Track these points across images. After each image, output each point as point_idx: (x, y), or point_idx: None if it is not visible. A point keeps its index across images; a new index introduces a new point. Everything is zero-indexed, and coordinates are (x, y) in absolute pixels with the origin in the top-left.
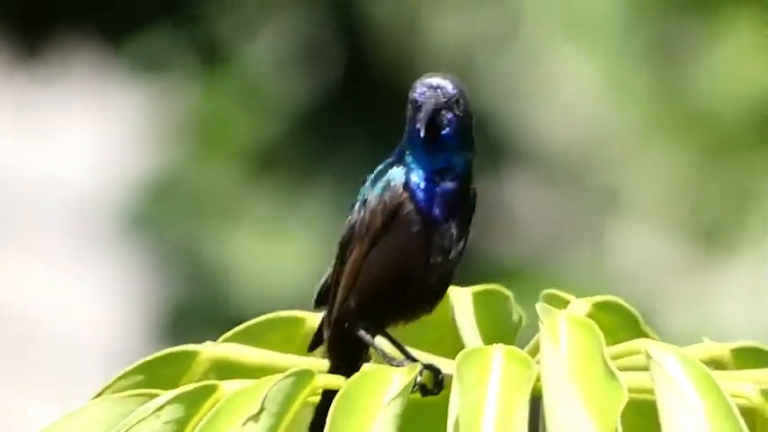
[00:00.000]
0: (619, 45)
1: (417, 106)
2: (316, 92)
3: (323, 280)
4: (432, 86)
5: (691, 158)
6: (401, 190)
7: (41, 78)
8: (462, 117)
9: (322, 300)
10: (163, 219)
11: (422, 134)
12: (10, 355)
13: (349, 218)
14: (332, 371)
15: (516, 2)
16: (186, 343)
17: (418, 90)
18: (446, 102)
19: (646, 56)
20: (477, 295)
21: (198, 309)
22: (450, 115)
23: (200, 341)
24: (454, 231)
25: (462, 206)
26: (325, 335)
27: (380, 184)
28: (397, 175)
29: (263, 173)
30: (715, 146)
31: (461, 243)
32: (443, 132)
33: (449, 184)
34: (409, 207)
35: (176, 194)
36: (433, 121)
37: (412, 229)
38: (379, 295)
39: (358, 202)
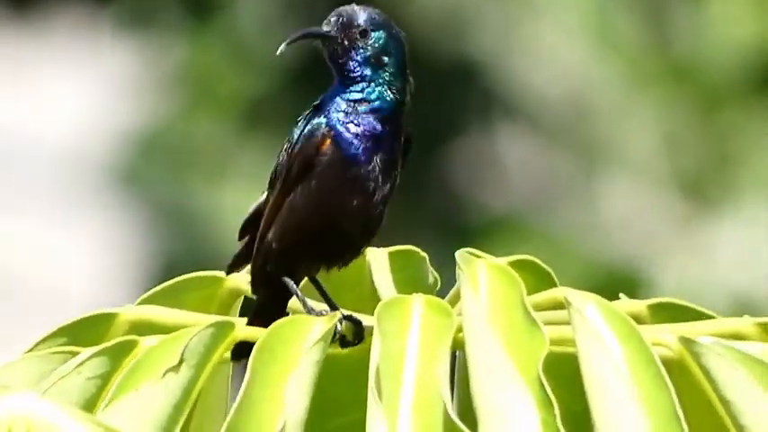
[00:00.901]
0: None
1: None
2: (303, 47)
3: (250, 210)
4: (338, 14)
5: (680, 111)
6: (323, 129)
7: (29, 33)
8: (370, 49)
9: (244, 233)
10: (151, 173)
11: (278, 51)
12: (1, 309)
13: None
14: (257, 312)
15: None
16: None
17: (327, 19)
18: (344, 30)
19: (633, 7)
20: (393, 255)
21: (186, 262)
22: (354, 45)
23: None
24: (379, 173)
25: (390, 148)
26: (250, 271)
27: (305, 125)
28: (319, 115)
29: (251, 128)
30: (704, 98)
31: (387, 186)
32: (347, 62)
33: (373, 124)
34: (331, 147)
35: (164, 148)
36: (335, 51)
37: (333, 169)
38: (301, 238)
39: (285, 143)
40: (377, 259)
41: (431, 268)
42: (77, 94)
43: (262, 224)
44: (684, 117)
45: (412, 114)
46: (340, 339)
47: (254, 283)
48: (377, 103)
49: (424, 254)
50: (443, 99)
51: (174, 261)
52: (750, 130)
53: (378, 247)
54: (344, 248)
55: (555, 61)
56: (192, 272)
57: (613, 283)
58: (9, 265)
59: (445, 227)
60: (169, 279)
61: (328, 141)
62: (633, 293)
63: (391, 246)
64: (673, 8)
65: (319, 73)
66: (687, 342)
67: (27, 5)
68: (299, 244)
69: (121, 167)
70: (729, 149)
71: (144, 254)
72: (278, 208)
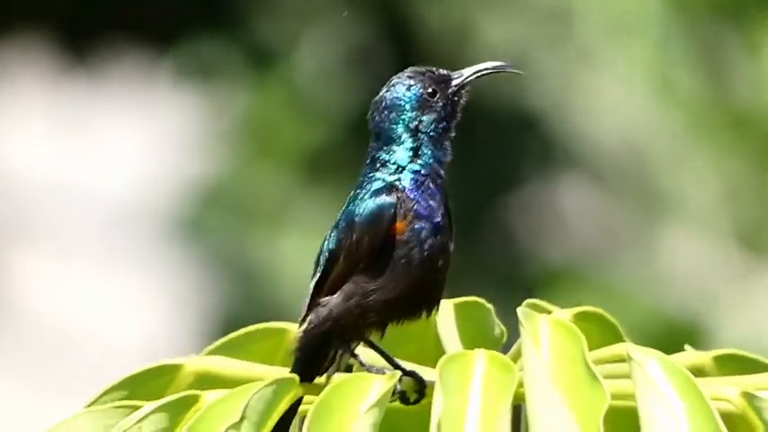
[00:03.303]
0: (665, 48)
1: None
2: (364, 97)
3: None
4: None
5: (739, 162)
6: (394, 208)
7: (91, 84)
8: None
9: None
10: (212, 224)
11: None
12: (65, 363)
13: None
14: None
15: (565, 5)
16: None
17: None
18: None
19: (692, 59)
20: (459, 307)
21: (247, 314)
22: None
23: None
24: (448, 240)
25: (448, 211)
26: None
27: (370, 203)
28: (387, 190)
29: (312, 179)
30: (763, 150)
31: (452, 249)
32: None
33: (437, 191)
34: (405, 224)
35: (225, 200)
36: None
37: (410, 245)
38: (371, 313)
39: (342, 221)
40: (442, 311)
41: (497, 320)
42: (138, 146)
43: (327, 295)
44: (744, 169)
45: (472, 164)
46: (400, 397)
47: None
48: (435, 167)
49: (489, 305)
50: (503, 149)
51: (235, 313)
52: None
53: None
54: (414, 315)
55: (614, 112)
56: (252, 324)
57: (673, 334)
58: (72, 317)
59: (505, 278)
60: (229, 331)
61: (400, 217)
62: (692, 345)
63: (452, 297)
64: (731, 59)
65: None
66: (749, 397)
67: (86, 56)
68: (366, 315)
69: (182, 219)
70: None
71: (205, 306)
72: (340, 282)
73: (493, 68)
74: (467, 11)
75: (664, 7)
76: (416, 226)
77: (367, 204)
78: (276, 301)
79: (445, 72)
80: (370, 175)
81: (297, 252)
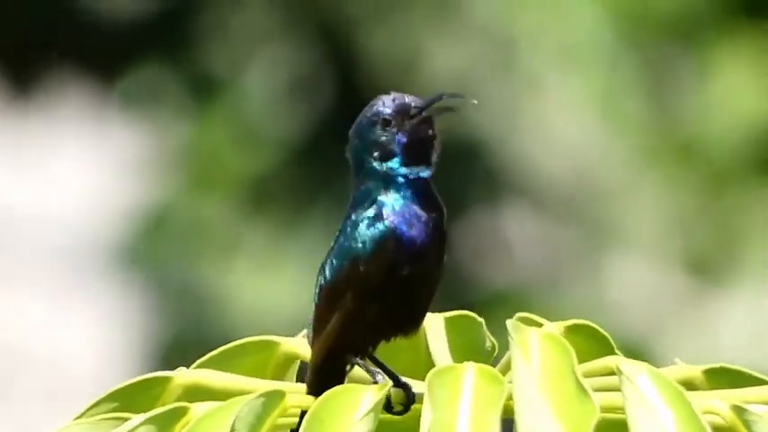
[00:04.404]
0: (613, 75)
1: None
2: (309, 123)
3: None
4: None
5: (686, 189)
6: (389, 233)
7: (36, 114)
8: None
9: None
10: (158, 252)
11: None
12: (4, 390)
13: (326, 271)
14: (314, 379)
15: (512, 32)
16: None
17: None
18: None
19: (641, 86)
20: (449, 320)
21: (194, 341)
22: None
23: None
24: (438, 254)
25: (439, 227)
26: (310, 371)
27: (367, 236)
28: (377, 221)
29: (257, 205)
30: (710, 176)
31: (442, 266)
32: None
33: (423, 210)
34: (399, 251)
35: (171, 228)
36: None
37: (405, 270)
38: (375, 332)
39: (339, 257)
40: (432, 324)
41: (488, 333)
42: (84, 174)
43: (328, 329)
44: (690, 195)
45: None
46: (386, 405)
47: (314, 380)
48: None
49: (480, 319)
50: (448, 177)
51: (181, 340)
52: (756, 209)
53: None
54: (409, 330)
55: (561, 139)
56: (197, 349)
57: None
58: (14, 343)
59: (450, 304)
60: (174, 356)
61: (395, 245)
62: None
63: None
64: (678, 86)
65: (324, 149)
66: (739, 410)
67: (33, 84)
68: (371, 335)
69: (127, 246)
70: (736, 226)
71: (150, 332)
72: (348, 314)
73: (447, 96)
74: (413, 38)
75: (612, 33)
76: (402, 254)
77: (365, 236)
78: (224, 327)
79: (411, 100)
80: (355, 205)
81: (244, 278)
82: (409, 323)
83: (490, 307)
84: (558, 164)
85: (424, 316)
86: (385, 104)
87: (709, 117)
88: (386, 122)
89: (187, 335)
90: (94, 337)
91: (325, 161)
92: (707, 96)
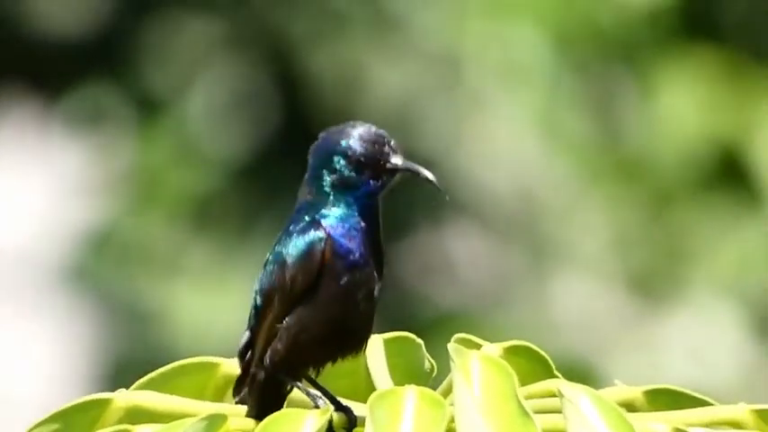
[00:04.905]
0: (555, 94)
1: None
2: (253, 143)
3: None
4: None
5: (630, 207)
6: (323, 241)
7: None
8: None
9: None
10: (102, 271)
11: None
12: None
13: (260, 278)
14: (255, 403)
15: (455, 51)
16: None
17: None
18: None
19: (583, 105)
20: (388, 342)
21: (138, 360)
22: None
23: None
24: (375, 271)
25: (379, 243)
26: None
27: (299, 241)
28: (312, 229)
29: (201, 224)
30: (654, 194)
31: (381, 279)
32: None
33: (363, 226)
34: (333, 257)
35: (115, 247)
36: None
37: (338, 277)
38: (312, 345)
39: (272, 263)
40: (372, 346)
41: (427, 355)
42: (29, 193)
43: (262, 340)
44: (634, 213)
45: None
46: (328, 430)
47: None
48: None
49: (419, 341)
50: (392, 196)
51: (126, 359)
52: (700, 226)
53: None
54: (352, 348)
55: (504, 158)
56: (143, 368)
57: (563, 377)
58: None
59: (396, 323)
60: (121, 375)
61: (329, 253)
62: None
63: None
64: (621, 105)
65: (268, 169)
66: None
67: None
68: (309, 351)
69: (71, 266)
70: (679, 245)
71: (95, 352)
72: (279, 321)
73: (425, 177)
74: (356, 56)
75: (554, 52)
76: (338, 263)
77: (297, 242)
78: (168, 346)
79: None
80: (296, 216)
81: (187, 297)
82: (349, 341)
83: (436, 327)
84: (501, 182)
85: (368, 335)
86: (363, 143)
87: (653, 136)
88: (360, 164)
89: (132, 353)
90: (37, 358)
91: (268, 180)
92: (650, 115)
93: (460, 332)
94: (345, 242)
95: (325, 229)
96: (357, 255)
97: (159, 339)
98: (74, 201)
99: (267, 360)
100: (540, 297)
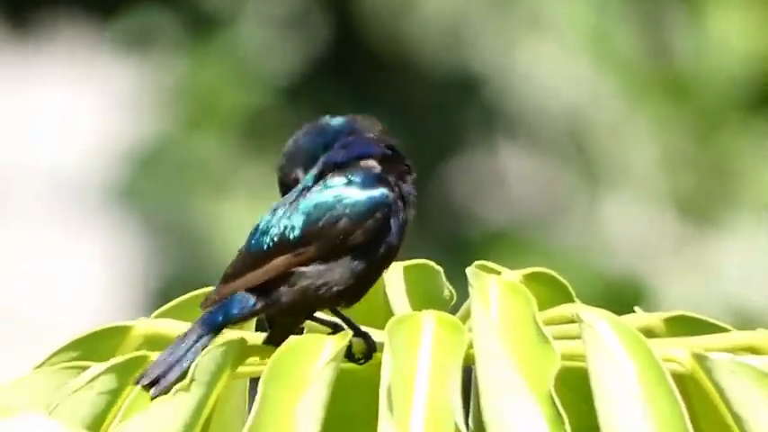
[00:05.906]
0: (605, 12)
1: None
2: (304, 62)
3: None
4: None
5: (679, 126)
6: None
7: (29, 54)
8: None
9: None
10: (152, 190)
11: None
12: (7, 335)
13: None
14: (273, 330)
15: None
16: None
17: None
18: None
19: (633, 24)
20: (408, 269)
21: (187, 280)
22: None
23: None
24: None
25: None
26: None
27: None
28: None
29: (252, 144)
30: (703, 113)
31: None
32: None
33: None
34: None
35: (165, 166)
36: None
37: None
38: (325, 301)
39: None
40: (391, 273)
41: (446, 282)
42: (77, 112)
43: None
44: (684, 132)
45: (414, 130)
46: (348, 354)
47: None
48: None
49: (439, 268)
50: (444, 115)
51: (175, 278)
52: (749, 147)
53: None
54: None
55: (555, 76)
56: (193, 289)
57: (614, 297)
58: (7, 288)
59: (447, 242)
60: (171, 298)
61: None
62: (634, 308)
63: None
64: (673, 22)
65: (319, 87)
66: (699, 358)
67: (25, 23)
68: (322, 302)
69: (121, 185)
70: (729, 165)
71: (144, 272)
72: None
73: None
74: None
75: None
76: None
77: (360, 196)
78: (219, 266)
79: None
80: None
81: (237, 216)
82: (356, 295)
83: (486, 246)
84: (552, 101)
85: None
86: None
87: (702, 56)
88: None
89: (179, 274)
90: (87, 278)
91: (320, 99)
92: (699, 35)
93: (511, 251)
94: (399, 209)
95: (388, 196)
96: (404, 224)
97: (208, 259)
98: (125, 119)
99: (274, 299)
100: (589, 215)
